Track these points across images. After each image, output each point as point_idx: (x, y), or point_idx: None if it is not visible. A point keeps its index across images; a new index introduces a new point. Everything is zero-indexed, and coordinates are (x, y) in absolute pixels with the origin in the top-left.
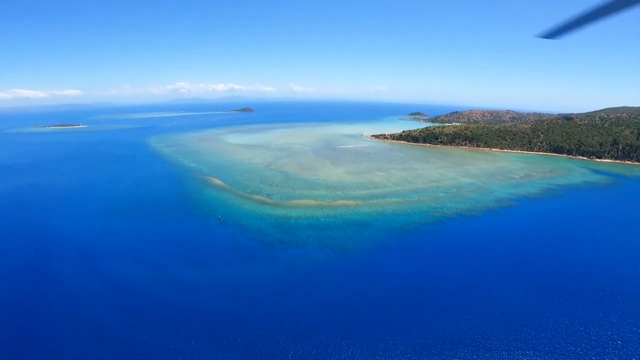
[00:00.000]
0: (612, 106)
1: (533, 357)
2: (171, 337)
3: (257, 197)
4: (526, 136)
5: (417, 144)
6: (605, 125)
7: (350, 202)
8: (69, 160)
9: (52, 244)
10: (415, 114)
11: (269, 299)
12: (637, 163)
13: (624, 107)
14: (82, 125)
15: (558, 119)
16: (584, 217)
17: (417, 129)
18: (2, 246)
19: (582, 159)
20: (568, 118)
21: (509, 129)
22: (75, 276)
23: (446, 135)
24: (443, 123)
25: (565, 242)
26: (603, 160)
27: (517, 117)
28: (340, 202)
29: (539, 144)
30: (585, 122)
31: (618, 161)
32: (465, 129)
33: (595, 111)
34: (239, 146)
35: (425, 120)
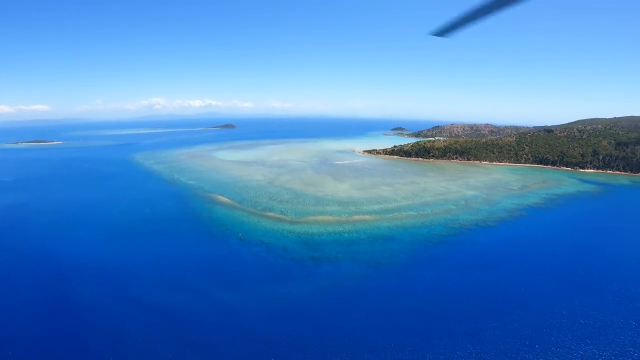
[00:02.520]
0: (585, 118)
1: (603, 356)
2: None
3: (271, 214)
4: (512, 149)
5: (409, 158)
6: (584, 136)
7: (367, 217)
8: (56, 177)
9: (73, 270)
10: (398, 129)
11: (319, 316)
12: (618, 172)
13: (597, 118)
14: (56, 141)
15: (539, 131)
16: (591, 222)
17: (409, 144)
18: (16, 274)
19: (567, 170)
20: (548, 130)
21: (496, 142)
22: (110, 304)
23: (438, 149)
24: (426, 137)
25: (585, 246)
26: (586, 170)
27: (496, 130)
28: (356, 217)
29: (524, 156)
30: (565, 134)
31: (600, 171)
32: (455, 142)
33: (570, 123)
34: (234, 163)
35: (408, 135)
